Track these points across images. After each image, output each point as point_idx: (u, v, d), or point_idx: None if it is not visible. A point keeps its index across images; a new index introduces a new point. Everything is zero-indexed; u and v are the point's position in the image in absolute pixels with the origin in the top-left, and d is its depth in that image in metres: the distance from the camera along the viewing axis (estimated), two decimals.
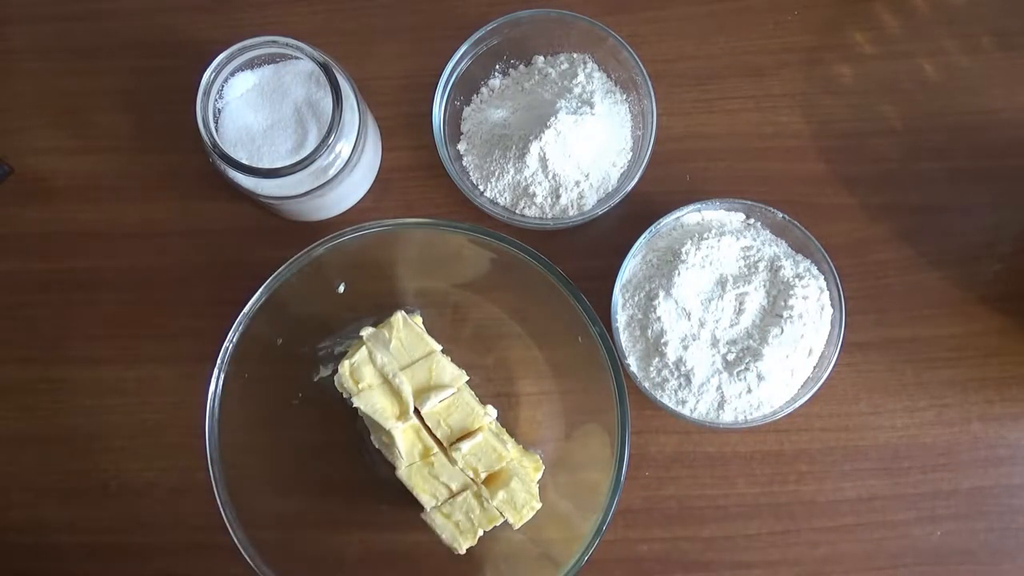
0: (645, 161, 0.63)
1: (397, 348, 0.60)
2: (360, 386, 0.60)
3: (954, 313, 0.65)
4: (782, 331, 0.59)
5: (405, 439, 0.60)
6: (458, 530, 0.59)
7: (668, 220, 0.62)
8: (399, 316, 0.61)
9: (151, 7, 0.69)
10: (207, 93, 0.57)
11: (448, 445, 0.59)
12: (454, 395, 0.60)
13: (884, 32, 0.68)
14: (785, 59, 0.67)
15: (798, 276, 0.60)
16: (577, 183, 0.63)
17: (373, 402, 0.59)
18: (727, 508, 0.64)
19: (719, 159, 0.67)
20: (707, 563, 0.63)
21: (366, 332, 0.60)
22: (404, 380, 0.59)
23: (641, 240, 0.61)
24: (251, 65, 0.60)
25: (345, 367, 0.59)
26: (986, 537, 0.63)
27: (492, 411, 0.61)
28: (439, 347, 0.61)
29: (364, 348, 0.59)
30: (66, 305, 0.66)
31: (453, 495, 0.59)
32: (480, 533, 0.59)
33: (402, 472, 0.59)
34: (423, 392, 0.59)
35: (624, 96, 0.66)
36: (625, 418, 0.58)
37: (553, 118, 0.61)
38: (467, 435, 0.59)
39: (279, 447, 0.63)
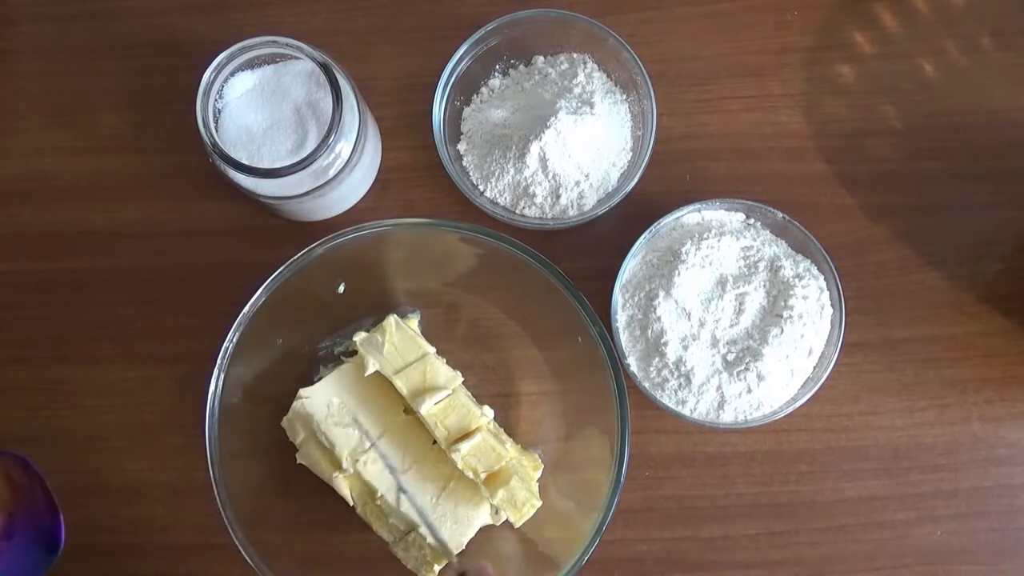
0: (645, 161, 0.63)
1: (391, 352, 0.60)
2: (298, 441, 0.62)
3: (954, 313, 0.65)
4: (782, 331, 0.59)
5: (348, 486, 0.61)
6: (419, 563, 0.60)
7: (668, 220, 0.62)
8: (391, 320, 0.61)
9: (151, 7, 0.69)
10: (207, 93, 0.57)
11: (447, 447, 0.59)
12: (450, 396, 0.60)
13: (884, 32, 0.68)
14: (785, 59, 0.67)
15: (798, 276, 0.60)
16: (577, 183, 0.63)
17: (310, 454, 0.61)
18: (727, 508, 0.64)
19: (719, 159, 0.67)
20: (707, 563, 0.63)
21: (359, 337, 0.61)
22: (358, 415, 0.61)
23: (641, 240, 0.61)
24: (251, 65, 0.60)
25: (284, 423, 0.62)
26: (986, 537, 0.63)
27: (489, 412, 0.61)
28: (432, 349, 0.61)
29: (295, 403, 0.61)
30: (66, 305, 0.66)
31: (405, 534, 0.60)
32: (437, 569, 0.60)
33: (359, 512, 0.61)
34: (418, 394, 0.59)
35: (624, 96, 0.66)
36: (625, 418, 0.58)
37: (553, 118, 0.61)
38: (466, 436, 0.59)
39: (279, 447, 0.63)
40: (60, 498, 0.64)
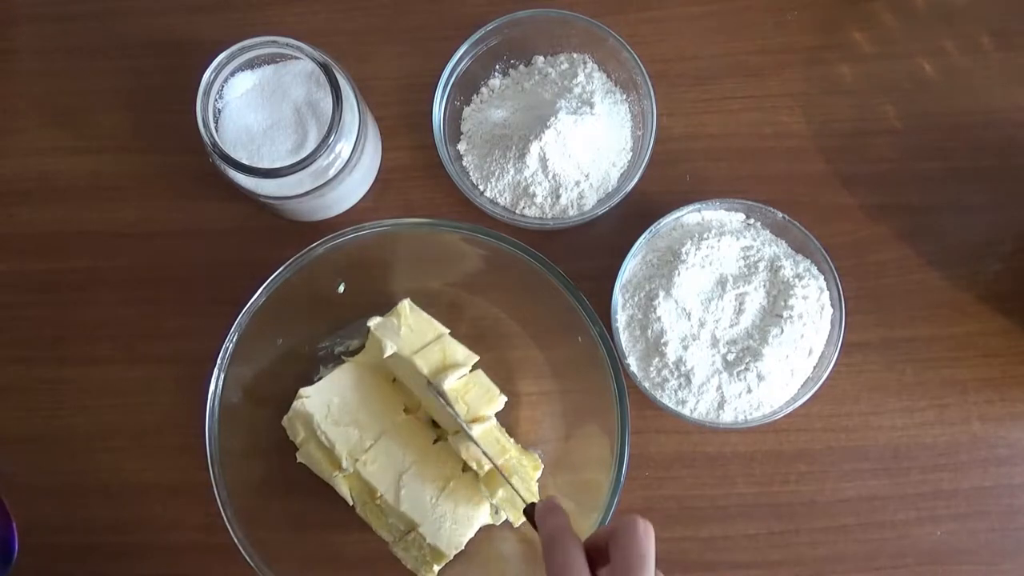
0: (645, 161, 0.63)
1: (407, 334, 0.60)
2: (298, 441, 0.61)
3: (954, 313, 0.65)
4: (782, 331, 0.59)
5: (348, 486, 0.61)
6: (418, 563, 0.60)
7: (668, 220, 0.62)
8: (405, 303, 0.61)
9: (151, 7, 0.69)
10: (207, 93, 0.57)
11: (468, 422, 0.59)
12: (471, 374, 0.60)
13: (884, 32, 0.68)
14: (785, 59, 0.67)
15: (798, 276, 0.60)
16: (577, 183, 0.63)
17: (310, 454, 0.61)
18: (727, 508, 0.64)
19: (719, 159, 0.67)
20: (707, 563, 0.63)
21: (373, 322, 0.61)
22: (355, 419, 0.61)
23: (641, 240, 0.61)
24: (251, 65, 0.60)
25: (284, 422, 0.61)
26: (986, 537, 0.63)
27: (503, 397, 0.61)
28: (447, 330, 0.61)
29: (295, 402, 0.61)
30: (66, 305, 0.66)
31: (404, 533, 0.60)
32: (436, 569, 0.60)
33: (359, 511, 0.61)
34: (439, 372, 0.59)
35: (624, 96, 0.66)
36: (625, 418, 0.58)
37: (553, 118, 0.61)
38: (475, 420, 0.59)
39: (279, 447, 0.63)
40: (61, 497, 0.64)
